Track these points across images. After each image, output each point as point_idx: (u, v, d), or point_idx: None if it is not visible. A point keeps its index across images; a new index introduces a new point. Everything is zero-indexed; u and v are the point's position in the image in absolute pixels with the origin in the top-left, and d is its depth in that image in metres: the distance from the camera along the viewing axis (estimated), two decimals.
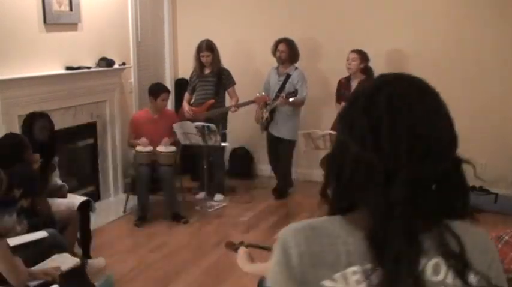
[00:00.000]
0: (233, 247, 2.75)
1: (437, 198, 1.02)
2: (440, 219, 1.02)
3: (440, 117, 1.03)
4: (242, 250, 2.67)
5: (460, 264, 1.01)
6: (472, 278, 1.01)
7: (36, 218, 3.55)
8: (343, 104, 5.17)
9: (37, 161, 3.81)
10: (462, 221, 1.06)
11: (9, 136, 3.72)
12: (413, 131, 0.98)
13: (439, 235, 1.01)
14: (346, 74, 5.26)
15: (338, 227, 1.04)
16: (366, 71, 5.15)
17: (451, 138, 1.03)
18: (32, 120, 3.93)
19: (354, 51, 5.13)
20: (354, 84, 5.15)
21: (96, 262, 3.93)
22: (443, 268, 1.01)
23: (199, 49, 5.51)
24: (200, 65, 5.56)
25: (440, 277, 1.01)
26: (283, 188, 5.89)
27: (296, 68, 5.60)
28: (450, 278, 1.01)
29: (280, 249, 1.05)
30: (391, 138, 0.98)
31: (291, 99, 5.34)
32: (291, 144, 5.65)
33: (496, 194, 5.28)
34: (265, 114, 5.62)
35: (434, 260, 1.01)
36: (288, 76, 5.56)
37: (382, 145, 0.98)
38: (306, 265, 1.01)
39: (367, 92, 1.04)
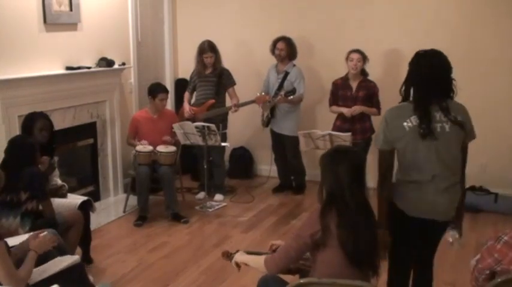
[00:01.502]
0: (230, 257, 2.76)
1: (440, 88, 2.64)
2: (441, 97, 2.63)
3: (446, 63, 2.67)
4: (239, 253, 2.71)
5: (446, 111, 2.61)
6: (452, 118, 2.62)
7: (40, 221, 3.55)
8: (341, 105, 5.18)
9: (45, 163, 3.81)
10: (451, 100, 2.69)
11: (19, 139, 3.71)
12: (434, 65, 2.64)
13: (441, 102, 2.61)
14: (343, 74, 5.25)
15: (408, 105, 2.66)
16: (363, 70, 5.15)
17: (449, 71, 2.67)
18: (31, 121, 3.92)
19: (356, 51, 5.07)
20: (354, 84, 5.13)
21: None
22: (442, 115, 2.62)
23: (201, 51, 5.50)
24: (202, 66, 5.56)
25: (440, 119, 2.62)
26: (299, 184, 5.94)
27: (294, 66, 5.63)
28: (444, 118, 2.62)
29: (384, 118, 2.71)
30: (428, 66, 2.63)
31: (289, 98, 5.40)
32: (294, 140, 5.66)
33: (496, 194, 5.28)
34: (266, 112, 5.66)
35: (438, 113, 2.62)
36: (287, 74, 5.59)
37: (423, 69, 2.64)
38: (394, 119, 2.65)
39: (416, 57, 2.71)
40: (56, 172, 4.14)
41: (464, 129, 2.66)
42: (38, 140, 3.81)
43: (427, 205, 2.70)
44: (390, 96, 5.33)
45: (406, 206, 2.74)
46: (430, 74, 2.62)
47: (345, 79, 5.19)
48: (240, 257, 2.69)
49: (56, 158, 4.13)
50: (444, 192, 2.70)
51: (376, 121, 5.28)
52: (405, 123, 2.61)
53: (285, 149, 5.81)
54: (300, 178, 5.96)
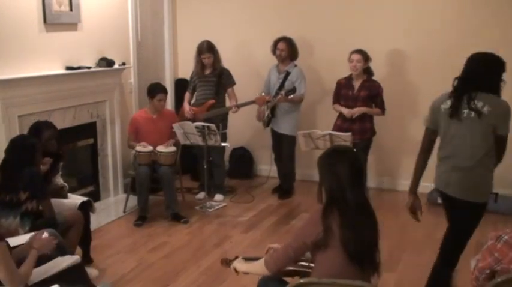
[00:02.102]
0: (229, 264, 2.76)
1: (477, 82, 3.01)
2: (475, 90, 3.00)
3: (489, 64, 3.07)
4: (237, 260, 2.71)
5: (471, 100, 2.99)
6: (472, 106, 2.97)
7: (39, 221, 3.55)
8: (342, 105, 5.19)
9: (47, 164, 3.81)
10: (487, 93, 2.99)
11: (20, 139, 3.70)
12: (475, 63, 3.09)
13: (471, 93, 3.00)
14: (344, 74, 5.25)
15: (448, 92, 3.13)
16: (367, 70, 5.15)
17: (492, 70, 3.04)
18: (38, 131, 3.90)
19: (356, 52, 5.06)
20: (356, 84, 5.12)
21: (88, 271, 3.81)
22: (466, 106, 3.00)
23: (200, 51, 5.50)
24: (201, 67, 5.56)
25: (469, 106, 2.99)
26: (287, 188, 5.90)
27: (295, 66, 5.62)
28: (467, 108, 3.00)
29: (432, 104, 3.21)
30: (470, 64, 3.10)
31: (289, 97, 5.40)
32: (291, 140, 5.65)
33: (496, 194, 5.27)
34: (267, 112, 5.67)
35: (468, 101, 3.01)
36: (288, 74, 5.59)
37: (467, 66, 3.12)
38: (436, 103, 3.18)
39: (469, 57, 3.14)
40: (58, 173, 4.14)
41: (481, 119, 2.96)
42: (48, 149, 3.82)
43: (442, 181, 3.18)
44: (391, 96, 5.37)
45: (435, 179, 3.26)
46: (469, 70, 3.09)
47: (349, 79, 5.19)
48: (239, 266, 2.69)
49: (61, 163, 4.15)
50: (459, 171, 3.09)
51: (379, 122, 5.29)
52: (441, 106, 3.12)
53: (282, 151, 5.79)
54: (289, 182, 5.92)
